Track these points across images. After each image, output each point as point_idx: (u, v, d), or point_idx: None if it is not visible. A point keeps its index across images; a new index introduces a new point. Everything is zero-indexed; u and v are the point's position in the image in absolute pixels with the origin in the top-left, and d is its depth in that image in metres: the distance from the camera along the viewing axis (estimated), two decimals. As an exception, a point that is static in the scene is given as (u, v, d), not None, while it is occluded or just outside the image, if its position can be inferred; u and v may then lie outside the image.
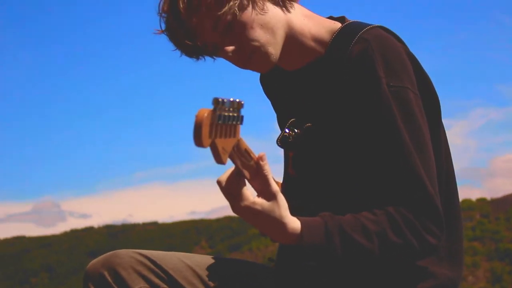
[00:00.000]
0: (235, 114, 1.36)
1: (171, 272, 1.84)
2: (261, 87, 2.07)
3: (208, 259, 1.93)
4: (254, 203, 1.52)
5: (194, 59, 1.81)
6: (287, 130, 1.84)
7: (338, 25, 1.83)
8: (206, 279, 1.87)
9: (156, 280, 1.83)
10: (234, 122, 1.37)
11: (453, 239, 1.83)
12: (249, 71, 1.82)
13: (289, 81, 1.89)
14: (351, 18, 1.86)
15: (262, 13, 1.74)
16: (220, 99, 1.31)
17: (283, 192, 1.62)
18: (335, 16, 1.89)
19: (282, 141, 1.84)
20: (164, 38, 1.78)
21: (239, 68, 1.80)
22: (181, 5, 1.69)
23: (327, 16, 1.89)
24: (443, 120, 1.86)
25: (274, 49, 1.77)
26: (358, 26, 1.78)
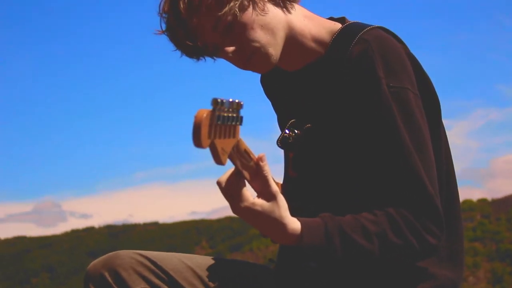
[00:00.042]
0: (235, 115, 1.36)
1: (171, 273, 1.84)
2: (261, 88, 2.07)
3: (208, 260, 1.93)
4: (254, 204, 1.52)
5: (195, 60, 1.81)
6: (287, 131, 1.84)
7: (338, 26, 1.83)
8: (207, 280, 1.87)
9: (157, 281, 1.82)
10: (233, 123, 1.37)
11: (454, 239, 1.83)
12: (249, 71, 1.82)
13: (289, 82, 1.89)
14: (351, 18, 1.86)
15: (262, 14, 1.74)
16: (219, 100, 1.31)
17: (283, 193, 1.62)
18: (336, 16, 1.89)
19: (282, 142, 1.84)
20: (164, 39, 1.78)
21: (240, 69, 1.81)
22: (182, 6, 1.69)
23: (327, 17, 1.89)
24: (443, 121, 1.86)
25: (275, 50, 1.77)
26: (358, 27, 1.78)
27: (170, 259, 1.87)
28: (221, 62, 1.83)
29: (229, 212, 1.57)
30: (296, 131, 1.83)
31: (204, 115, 1.30)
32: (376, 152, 1.69)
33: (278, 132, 1.90)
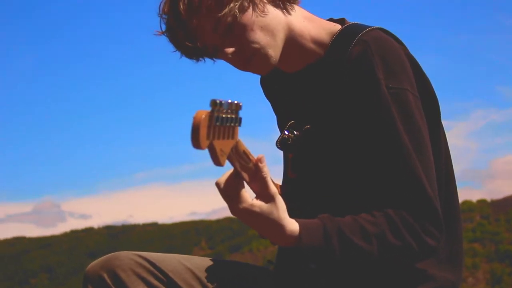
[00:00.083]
0: (233, 116, 1.36)
1: (170, 274, 1.84)
2: (260, 89, 2.07)
3: (207, 261, 1.92)
4: (252, 205, 1.52)
5: (194, 61, 1.81)
6: (286, 132, 1.83)
7: (337, 27, 1.83)
8: (205, 281, 1.87)
9: (155, 282, 1.82)
10: (232, 124, 1.37)
11: (453, 241, 1.83)
12: (248, 72, 1.82)
13: (288, 83, 1.89)
14: (351, 19, 1.86)
15: (262, 15, 1.74)
16: (218, 101, 1.31)
17: (282, 194, 1.62)
18: (335, 18, 1.89)
19: (281, 143, 1.84)
20: (165, 39, 1.78)
21: (239, 70, 1.80)
22: (182, 7, 1.69)
23: (327, 18, 1.89)
24: (443, 122, 1.86)
25: (274, 51, 1.77)
26: (357, 28, 1.78)
27: (169, 260, 1.87)
28: (222, 63, 1.83)
29: (229, 213, 1.57)
30: (295, 133, 1.83)
31: (203, 116, 1.30)
32: (375, 153, 1.69)
33: (277, 133, 1.90)
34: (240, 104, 1.37)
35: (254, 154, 1.53)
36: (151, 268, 1.83)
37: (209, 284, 1.87)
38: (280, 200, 1.56)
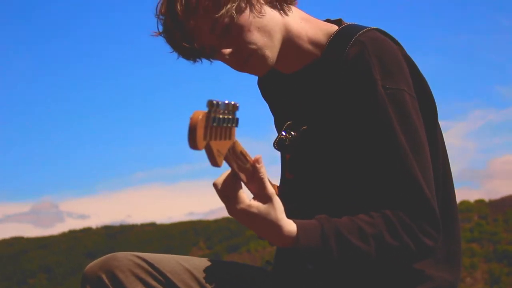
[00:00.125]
0: (230, 117, 1.36)
1: (169, 275, 1.84)
2: (258, 89, 2.07)
3: (206, 262, 1.92)
4: (250, 206, 1.52)
5: (191, 62, 1.81)
6: (284, 133, 1.84)
7: (334, 27, 1.83)
8: (204, 281, 1.87)
9: (154, 283, 1.82)
10: (229, 125, 1.37)
11: (450, 241, 1.83)
12: (245, 73, 1.82)
13: (286, 84, 1.90)
14: (350, 18, 1.86)
15: (259, 16, 1.74)
16: (214, 102, 1.31)
17: (280, 194, 1.62)
18: (332, 18, 1.89)
19: (279, 144, 1.84)
20: (163, 40, 1.78)
21: (237, 71, 1.81)
22: (179, 7, 1.69)
23: (324, 19, 1.89)
24: (441, 122, 1.87)
25: (271, 52, 1.77)
26: (354, 29, 1.78)
27: (168, 261, 1.87)
28: (219, 64, 1.83)
29: (227, 213, 1.58)
30: (292, 133, 1.83)
31: (200, 116, 1.30)
32: (372, 154, 1.69)
33: (274, 133, 1.90)
34: (237, 104, 1.37)
35: (252, 154, 1.53)
36: (150, 269, 1.83)
37: (207, 285, 1.87)
38: (277, 201, 1.56)
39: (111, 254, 1.86)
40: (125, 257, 1.82)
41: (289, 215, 1.59)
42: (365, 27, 1.78)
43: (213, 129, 1.33)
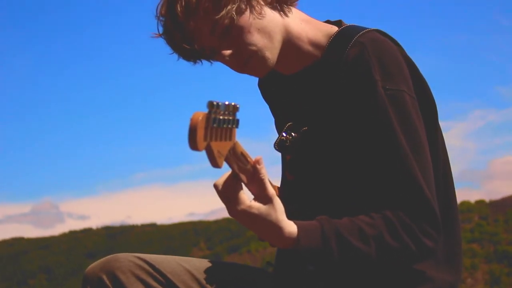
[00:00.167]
0: (231, 118, 1.36)
1: (169, 276, 1.84)
2: (258, 90, 2.07)
3: (206, 263, 1.93)
4: (250, 206, 1.52)
5: (192, 63, 1.81)
6: (284, 134, 1.84)
7: (334, 29, 1.83)
8: (204, 282, 1.87)
9: (155, 284, 1.82)
10: (229, 126, 1.37)
11: (451, 242, 1.83)
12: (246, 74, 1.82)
13: (286, 85, 1.90)
14: (350, 18, 1.86)
15: (259, 17, 1.74)
16: (215, 103, 1.31)
17: (280, 196, 1.62)
18: (332, 20, 1.89)
19: (279, 145, 1.85)
20: (163, 41, 1.78)
21: (237, 72, 1.81)
22: (179, 9, 1.69)
23: (324, 20, 1.90)
24: (441, 122, 1.87)
25: (271, 54, 1.77)
26: (354, 30, 1.78)
27: (168, 262, 1.87)
28: (220, 65, 1.83)
29: (227, 214, 1.58)
30: (293, 134, 1.83)
31: (200, 117, 1.30)
32: (373, 154, 1.69)
33: (275, 134, 1.91)
34: (237, 105, 1.37)
35: (252, 155, 1.53)
36: (150, 270, 1.83)
37: (208, 286, 1.87)
38: (278, 202, 1.56)
39: (112, 255, 1.86)
40: (126, 258, 1.82)
41: (289, 216, 1.59)
42: (365, 28, 1.79)
43: (214, 130, 1.34)
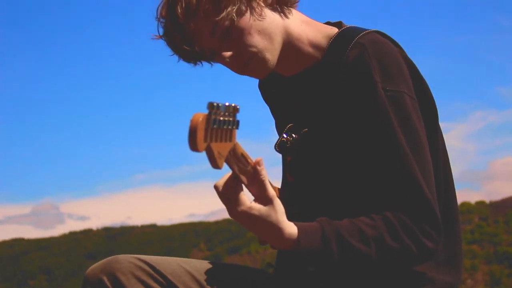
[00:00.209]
0: (231, 119, 1.37)
1: (170, 277, 1.84)
2: (259, 91, 2.07)
3: (207, 265, 1.92)
4: (250, 208, 1.52)
5: (192, 65, 1.81)
6: (285, 135, 1.84)
7: (335, 30, 1.83)
8: (205, 284, 1.87)
9: (155, 285, 1.82)
10: (229, 127, 1.37)
11: (451, 243, 1.83)
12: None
13: (286, 87, 1.90)
14: (350, 21, 1.86)
15: (260, 19, 1.74)
16: (215, 104, 1.31)
17: (281, 197, 1.62)
18: (332, 21, 1.89)
19: (280, 146, 1.85)
20: (163, 42, 1.79)
21: (237, 74, 1.81)
22: (179, 10, 1.69)
23: (324, 22, 1.90)
24: (442, 123, 1.86)
25: (272, 55, 1.77)
26: (354, 31, 1.79)
27: (169, 264, 1.87)
28: (220, 66, 1.83)
29: (227, 215, 1.58)
30: (294, 136, 1.83)
31: (200, 118, 1.30)
32: (373, 156, 1.69)
33: (275, 135, 1.91)
34: (238, 107, 1.37)
35: (253, 156, 1.53)
36: (151, 271, 1.83)
37: (208, 287, 1.87)
38: (278, 203, 1.56)
39: (113, 256, 1.86)
40: (126, 260, 1.82)
41: (290, 218, 1.59)
42: (365, 30, 1.79)
43: (214, 131, 1.34)
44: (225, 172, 1.52)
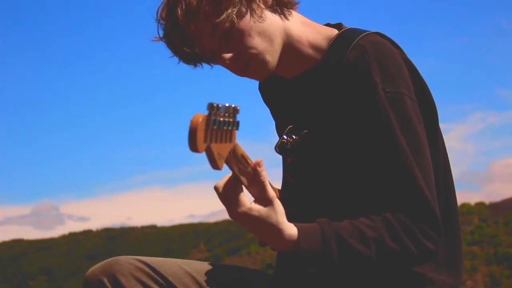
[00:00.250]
0: (231, 120, 1.37)
1: (170, 278, 1.84)
2: (259, 92, 2.07)
3: (207, 266, 1.92)
4: (250, 209, 1.53)
5: (192, 66, 1.82)
6: (285, 137, 1.84)
7: (335, 32, 1.84)
8: (205, 285, 1.87)
9: (155, 287, 1.82)
10: (229, 128, 1.37)
11: (452, 244, 1.83)
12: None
13: (287, 88, 1.90)
14: (350, 22, 1.87)
15: (260, 20, 1.74)
16: (215, 104, 1.31)
17: (281, 198, 1.62)
18: (332, 23, 1.90)
19: (280, 148, 1.85)
20: (163, 43, 1.79)
21: (237, 75, 1.81)
22: (179, 12, 1.69)
23: (324, 23, 1.90)
24: (441, 124, 1.86)
25: (272, 57, 1.77)
26: (354, 33, 1.79)
27: (169, 265, 1.87)
28: (220, 67, 1.83)
29: (227, 216, 1.58)
30: (294, 137, 1.83)
31: (200, 119, 1.30)
32: (373, 157, 1.70)
33: (275, 136, 1.91)
34: (238, 107, 1.37)
35: (253, 157, 1.53)
36: (151, 273, 1.83)
37: (208, 288, 1.87)
38: (278, 204, 1.56)
39: (113, 258, 1.86)
40: (126, 261, 1.82)
41: (290, 219, 1.59)
42: (365, 31, 1.79)
43: (214, 132, 1.34)
44: (225, 173, 1.52)
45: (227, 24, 1.69)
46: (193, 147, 1.30)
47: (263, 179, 1.53)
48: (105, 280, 1.79)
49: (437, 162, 1.79)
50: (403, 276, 1.75)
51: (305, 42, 1.83)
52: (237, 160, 1.48)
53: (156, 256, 1.94)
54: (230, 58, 1.74)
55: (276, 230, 1.56)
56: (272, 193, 1.54)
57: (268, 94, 2.03)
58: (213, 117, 1.31)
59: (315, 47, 1.83)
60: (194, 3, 1.68)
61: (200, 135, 1.30)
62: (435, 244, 1.66)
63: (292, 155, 1.85)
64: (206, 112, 1.31)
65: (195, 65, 1.81)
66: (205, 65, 1.82)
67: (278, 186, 1.96)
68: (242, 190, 1.53)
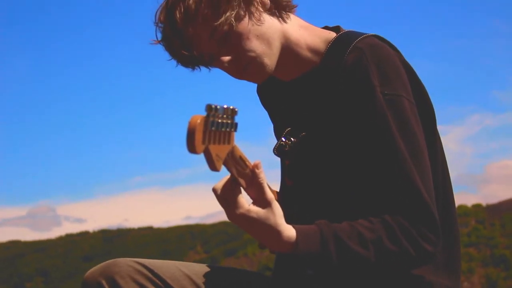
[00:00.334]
0: (229, 121, 1.37)
1: (168, 281, 1.84)
2: (257, 95, 2.08)
3: (205, 268, 1.93)
4: (249, 210, 1.53)
5: (190, 69, 1.82)
6: (283, 139, 1.84)
7: (333, 34, 1.84)
8: (203, 287, 1.87)
9: (154, 289, 1.83)
10: (228, 129, 1.38)
11: (450, 246, 1.83)
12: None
13: (285, 91, 1.90)
14: (348, 25, 1.87)
15: (258, 23, 1.75)
16: (213, 106, 1.31)
17: (279, 200, 1.63)
18: (330, 26, 1.90)
19: (278, 150, 1.85)
20: (162, 45, 1.79)
21: (235, 78, 1.81)
22: (178, 15, 1.69)
23: (322, 26, 1.90)
24: (439, 126, 1.87)
25: (270, 60, 1.77)
26: (352, 35, 1.79)
27: (168, 267, 1.87)
28: (218, 69, 1.84)
29: (224, 217, 1.58)
30: (292, 139, 1.83)
31: (198, 121, 1.30)
32: (371, 159, 1.70)
33: (274, 138, 1.91)
34: (236, 109, 1.37)
35: (251, 159, 1.53)
36: (150, 275, 1.83)
37: (206, 291, 1.87)
38: (276, 206, 1.57)
39: (111, 260, 1.86)
40: (125, 263, 1.82)
41: (288, 221, 1.60)
42: (363, 34, 1.79)
43: (212, 134, 1.34)
44: (224, 175, 1.52)
45: (225, 27, 1.70)
46: (191, 148, 1.30)
47: (262, 181, 1.53)
48: (104, 282, 1.79)
49: (435, 164, 1.79)
50: (402, 278, 1.75)
51: (303, 45, 1.83)
52: (235, 161, 1.48)
53: (153, 257, 1.95)
54: (229, 61, 1.75)
55: (274, 232, 1.56)
56: (270, 195, 1.55)
57: (267, 97, 2.03)
58: (211, 119, 1.32)
59: (313, 50, 1.83)
60: (193, 6, 1.69)
61: (199, 136, 1.30)
62: (433, 246, 1.66)
63: (290, 158, 1.86)
64: (204, 114, 1.31)
65: (193, 68, 1.81)
66: (203, 68, 1.82)
67: (277, 188, 1.96)
68: (240, 192, 1.53)
